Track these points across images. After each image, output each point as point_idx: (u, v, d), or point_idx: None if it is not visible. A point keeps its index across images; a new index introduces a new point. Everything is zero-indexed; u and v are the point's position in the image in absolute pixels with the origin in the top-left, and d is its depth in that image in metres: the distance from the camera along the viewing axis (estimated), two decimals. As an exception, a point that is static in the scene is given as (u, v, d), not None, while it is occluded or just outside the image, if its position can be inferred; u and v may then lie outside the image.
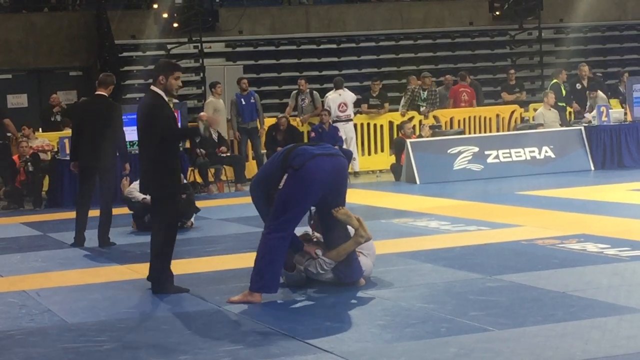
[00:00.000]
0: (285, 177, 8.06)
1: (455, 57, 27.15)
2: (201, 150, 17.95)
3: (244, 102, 19.32)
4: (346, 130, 19.65)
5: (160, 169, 8.68)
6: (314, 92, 20.83)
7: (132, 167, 12.83)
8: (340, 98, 19.89)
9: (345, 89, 20.25)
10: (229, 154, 18.65)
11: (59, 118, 20.65)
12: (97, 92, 12.02)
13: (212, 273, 9.42)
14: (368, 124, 20.82)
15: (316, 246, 8.53)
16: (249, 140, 19.80)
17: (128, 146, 13.02)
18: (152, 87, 8.79)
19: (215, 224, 13.54)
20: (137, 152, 16.93)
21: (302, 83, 20.70)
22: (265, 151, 19.23)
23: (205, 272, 9.43)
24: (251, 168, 19.31)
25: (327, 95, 20.26)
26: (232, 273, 9.32)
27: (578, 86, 20.66)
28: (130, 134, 15.19)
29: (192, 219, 13.30)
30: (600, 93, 20.00)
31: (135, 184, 12.87)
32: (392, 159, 19.33)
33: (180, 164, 9.24)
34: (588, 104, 20.14)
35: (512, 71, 23.52)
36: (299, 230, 8.50)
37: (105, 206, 11.80)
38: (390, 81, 24.28)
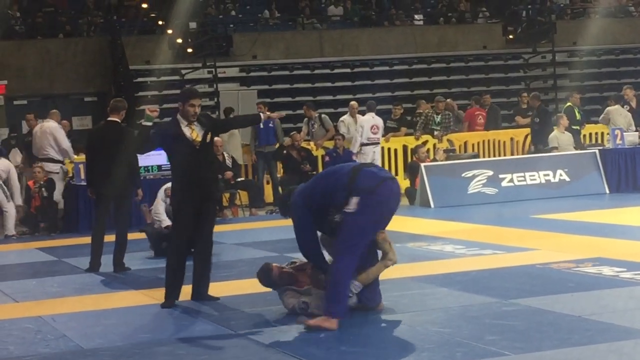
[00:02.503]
0: (355, 200, 7.94)
1: (469, 80, 27.22)
2: (227, 173, 17.87)
3: (261, 126, 19.33)
4: (375, 154, 19.60)
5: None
6: (322, 115, 20.79)
7: (145, 192, 12.87)
8: (373, 120, 19.80)
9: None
10: (236, 180, 18.47)
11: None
12: (109, 119, 12.05)
13: (227, 298, 9.41)
14: (382, 148, 20.78)
15: None
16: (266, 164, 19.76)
17: (142, 171, 12.99)
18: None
19: (229, 248, 13.52)
20: (151, 177, 16.92)
21: (305, 109, 20.71)
22: (280, 175, 19.16)
23: (220, 297, 9.42)
24: (267, 192, 19.29)
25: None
26: (247, 298, 9.30)
27: (626, 108, 20.61)
28: (145, 159, 15.25)
29: None
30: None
31: (161, 206, 12.86)
32: (407, 182, 19.30)
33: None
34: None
35: (525, 94, 23.55)
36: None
37: (121, 232, 11.80)
38: (404, 105, 24.35)
